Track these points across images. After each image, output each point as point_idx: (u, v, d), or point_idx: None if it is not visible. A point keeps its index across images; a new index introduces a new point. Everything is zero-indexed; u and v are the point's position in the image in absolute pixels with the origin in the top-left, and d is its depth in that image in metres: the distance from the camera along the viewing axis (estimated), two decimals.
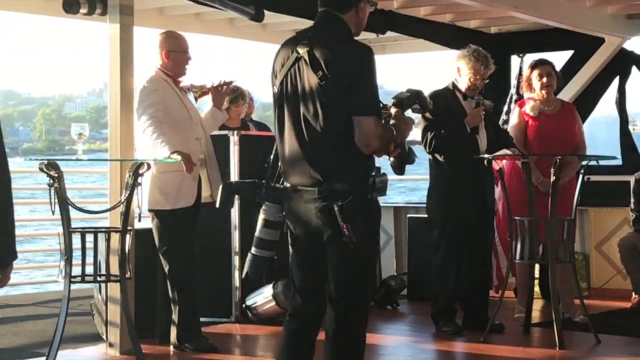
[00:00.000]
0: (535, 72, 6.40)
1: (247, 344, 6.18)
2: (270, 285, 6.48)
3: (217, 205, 4.05)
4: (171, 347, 5.60)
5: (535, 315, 6.47)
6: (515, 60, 8.56)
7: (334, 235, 3.48)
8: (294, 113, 3.58)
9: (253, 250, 3.81)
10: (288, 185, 3.63)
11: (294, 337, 3.67)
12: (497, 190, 6.50)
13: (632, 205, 7.30)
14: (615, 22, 8.00)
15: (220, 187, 3.99)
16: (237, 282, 6.64)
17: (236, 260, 6.65)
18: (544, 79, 6.36)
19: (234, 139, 6.67)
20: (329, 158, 3.51)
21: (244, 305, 6.59)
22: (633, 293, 7.10)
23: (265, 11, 6.51)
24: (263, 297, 6.53)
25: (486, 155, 5.95)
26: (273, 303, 6.47)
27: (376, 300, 7.28)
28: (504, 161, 6.32)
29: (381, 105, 3.62)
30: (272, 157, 3.86)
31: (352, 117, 3.50)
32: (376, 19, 7.35)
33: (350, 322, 3.55)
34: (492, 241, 6.67)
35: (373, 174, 3.59)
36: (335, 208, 3.42)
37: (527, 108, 6.41)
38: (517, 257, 5.91)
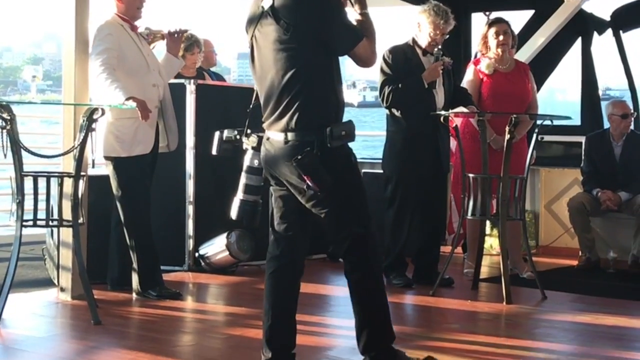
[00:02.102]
0: (492, 30, 6.44)
1: (199, 292, 6.21)
2: (224, 235, 6.51)
3: (214, 152, 4.15)
4: (133, 294, 5.63)
5: (484, 271, 6.58)
6: (476, 17, 8.58)
7: (301, 183, 3.67)
8: (264, 65, 3.75)
9: (240, 195, 3.99)
10: (265, 133, 3.82)
11: (275, 274, 3.86)
12: (453, 146, 6.56)
13: (582, 166, 7.41)
14: None
15: (216, 134, 4.09)
16: (190, 231, 6.65)
17: (190, 209, 6.65)
18: (500, 37, 6.40)
19: (190, 88, 6.64)
20: (291, 107, 3.67)
21: (197, 255, 6.61)
22: (580, 252, 7.24)
23: None
24: (216, 247, 6.56)
25: (442, 112, 5.99)
26: (226, 253, 6.51)
27: (329, 252, 7.35)
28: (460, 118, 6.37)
29: None
30: (251, 105, 3.97)
31: (315, 64, 3.67)
32: None
33: (361, 263, 3.74)
34: (446, 196, 6.75)
35: (335, 122, 3.70)
36: (294, 163, 3.61)
37: (482, 66, 6.46)
38: (469, 213, 5.98)
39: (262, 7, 3.72)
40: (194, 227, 6.66)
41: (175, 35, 5.80)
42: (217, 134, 4.17)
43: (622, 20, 8.30)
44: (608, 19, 8.38)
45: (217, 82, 7.52)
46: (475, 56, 6.91)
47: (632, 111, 7.27)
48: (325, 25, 3.67)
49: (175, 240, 6.63)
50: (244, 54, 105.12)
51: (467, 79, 6.53)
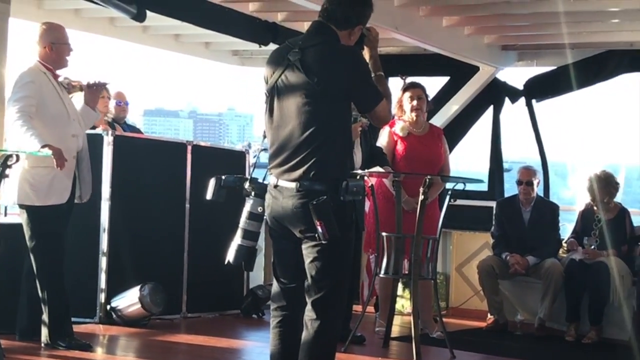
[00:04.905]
0: (407, 95, 6.63)
1: (110, 344, 6.13)
2: (137, 288, 6.45)
3: (208, 197, 4.17)
4: (42, 345, 5.51)
5: (395, 330, 6.65)
6: (393, 82, 8.76)
7: (308, 231, 3.74)
8: (284, 116, 3.83)
9: (239, 240, 4.03)
10: (271, 181, 3.89)
11: (282, 325, 3.91)
12: (366, 207, 6.65)
13: (493, 230, 7.59)
14: (490, 52, 8.32)
15: (212, 180, 4.13)
16: (103, 283, 6.57)
17: (103, 262, 6.58)
18: (414, 102, 6.59)
19: (108, 139, 6.62)
20: (310, 159, 3.76)
21: (108, 307, 6.53)
22: (488, 314, 7.38)
23: (148, 13, 6.49)
24: (129, 300, 6.50)
25: (359, 172, 6.09)
26: (139, 306, 6.45)
27: (243, 308, 7.34)
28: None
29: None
30: (258, 154, 4.13)
31: (338, 120, 3.83)
32: (260, 31, 7.46)
33: (325, 313, 3.79)
34: (360, 256, 6.83)
35: (349, 178, 3.83)
36: (311, 206, 3.68)
37: (397, 128, 6.61)
38: (382, 272, 6.07)
39: (289, 59, 3.82)
40: (107, 279, 6.58)
41: (94, 87, 5.80)
42: (213, 179, 4.20)
43: (534, 90, 8.60)
44: (521, 88, 8.67)
45: (135, 134, 7.52)
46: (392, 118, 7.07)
47: (532, 179, 7.43)
48: (355, 83, 3.82)
49: (87, 292, 6.54)
50: (150, 110, 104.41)
51: (382, 141, 6.67)
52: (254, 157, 4.14)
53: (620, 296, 6.84)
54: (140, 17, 6.44)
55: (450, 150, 7.67)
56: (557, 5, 6.59)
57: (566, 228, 7.82)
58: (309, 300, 3.82)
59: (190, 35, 8.56)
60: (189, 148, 7.20)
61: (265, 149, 4.02)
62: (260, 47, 7.78)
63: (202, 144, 7.56)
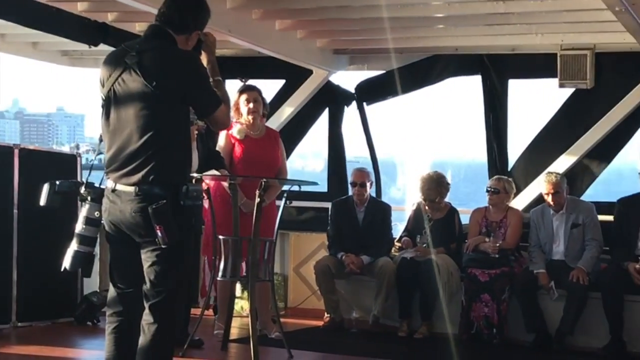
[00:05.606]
0: (243, 97, 6.65)
1: None
2: None
3: (42, 203, 4.00)
4: None
5: (234, 332, 6.67)
6: (230, 84, 8.77)
7: (147, 235, 3.73)
8: (122, 119, 3.80)
9: (74, 246, 3.95)
10: (108, 185, 3.85)
11: (118, 330, 3.89)
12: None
13: (328, 230, 7.73)
14: (323, 55, 8.45)
15: (45, 186, 3.96)
16: None
17: None
18: (251, 105, 6.62)
19: None
20: (149, 163, 3.75)
21: None
22: (325, 313, 7.51)
23: None
24: None
25: (195, 175, 6.06)
26: None
27: (77, 315, 7.15)
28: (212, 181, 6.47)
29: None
30: (94, 157, 4.05)
31: (176, 124, 3.82)
32: (90, 31, 7.29)
33: (163, 317, 3.79)
34: (199, 259, 6.81)
35: (188, 182, 3.86)
36: (150, 210, 3.68)
37: (234, 131, 6.63)
38: (220, 274, 6.07)
39: (126, 62, 3.79)
40: None
41: None
42: (46, 185, 4.06)
43: (364, 94, 8.79)
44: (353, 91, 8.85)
45: None
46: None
47: (365, 180, 7.57)
48: (193, 88, 3.82)
49: None
50: None
51: (220, 144, 6.67)
52: (90, 161, 4.07)
53: (449, 292, 7.12)
54: None
55: (289, 152, 7.75)
56: (385, 11, 6.77)
57: (397, 227, 8.06)
58: (146, 305, 3.82)
59: (17, 35, 8.25)
60: (17, 152, 6.95)
61: (101, 153, 3.96)
62: (90, 47, 7.59)
63: (31, 147, 7.30)
